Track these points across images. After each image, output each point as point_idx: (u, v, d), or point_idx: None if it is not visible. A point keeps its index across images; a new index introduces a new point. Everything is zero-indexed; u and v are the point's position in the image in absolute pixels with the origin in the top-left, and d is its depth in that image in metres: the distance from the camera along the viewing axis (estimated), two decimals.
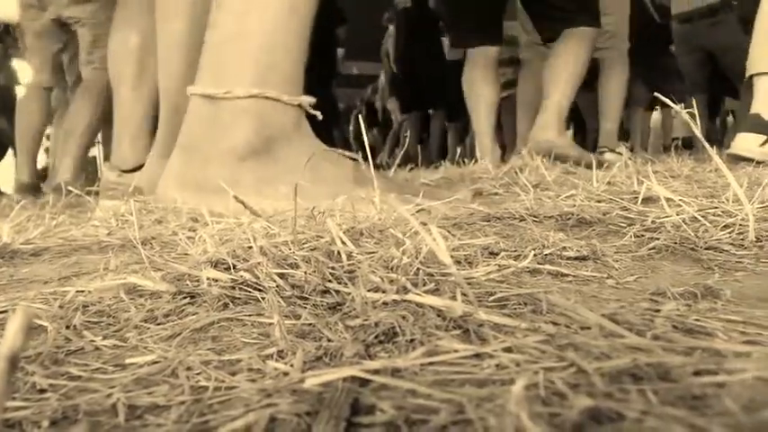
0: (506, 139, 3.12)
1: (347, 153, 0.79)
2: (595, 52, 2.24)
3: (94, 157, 4.33)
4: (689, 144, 4.25)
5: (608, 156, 2.31)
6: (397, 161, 1.62)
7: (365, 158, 0.71)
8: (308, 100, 0.88)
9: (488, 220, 0.74)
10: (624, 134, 3.72)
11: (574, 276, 0.46)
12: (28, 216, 0.87)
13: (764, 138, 1.42)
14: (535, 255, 0.46)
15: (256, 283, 0.37)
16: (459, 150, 2.91)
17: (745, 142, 1.44)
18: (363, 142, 0.74)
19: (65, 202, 1.40)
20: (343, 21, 3.49)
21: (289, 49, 0.85)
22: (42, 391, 0.28)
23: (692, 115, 0.60)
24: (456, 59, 3.39)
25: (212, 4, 0.87)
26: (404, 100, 4.35)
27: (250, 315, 0.36)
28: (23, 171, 2.56)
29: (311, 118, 0.89)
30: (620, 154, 2.33)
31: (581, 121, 3.97)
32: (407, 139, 3.96)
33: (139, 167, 1.21)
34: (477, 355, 0.27)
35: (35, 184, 2.57)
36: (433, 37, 4.15)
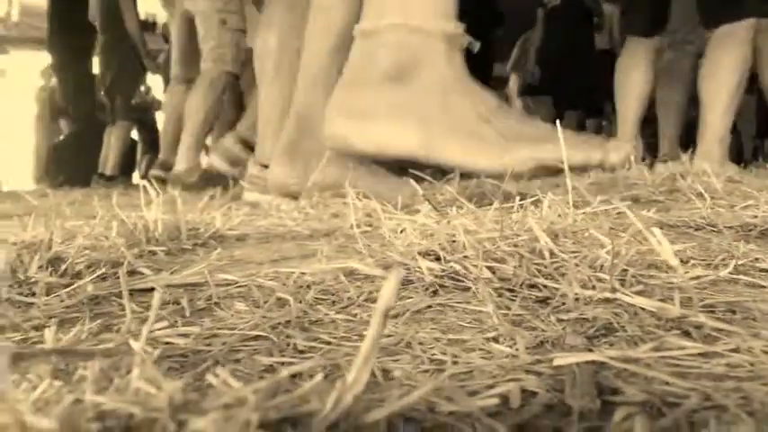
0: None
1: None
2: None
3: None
4: None
5: None
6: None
7: None
8: (455, 28, 0.87)
9: (661, 228, 0.72)
10: None
11: None
12: (218, 206, 0.97)
13: None
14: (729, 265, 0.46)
15: (465, 275, 0.41)
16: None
17: None
18: None
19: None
20: (500, 21, 3.46)
21: None
22: (302, 351, 0.34)
23: None
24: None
25: None
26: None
27: (460, 302, 0.39)
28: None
29: None
30: None
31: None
32: None
33: None
34: (704, 355, 0.29)
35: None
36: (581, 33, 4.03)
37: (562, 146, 0.65)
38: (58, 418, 0.16)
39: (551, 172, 0.86)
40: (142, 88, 3.89)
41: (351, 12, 1.17)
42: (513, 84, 4.64)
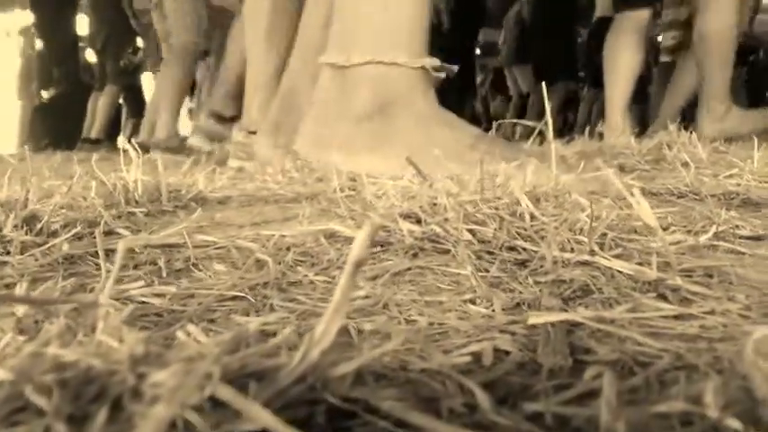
0: (651, 112, 2.93)
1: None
2: None
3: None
4: None
5: None
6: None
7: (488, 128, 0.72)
8: (430, 62, 0.88)
9: (644, 195, 0.73)
10: None
11: (750, 255, 0.45)
12: (201, 169, 0.96)
13: None
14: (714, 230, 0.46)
15: (445, 237, 0.41)
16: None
17: None
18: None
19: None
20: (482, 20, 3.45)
21: (406, 10, 0.87)
22: (279, 312, 0.33)
23: None
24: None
25: None
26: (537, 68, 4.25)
27: (440, 265, 0.39)
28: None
29: (448, 86, 0.91)
30: None
31: None
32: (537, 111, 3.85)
33: None
34: (678, 317, 0.29)
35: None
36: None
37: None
38: (14, 369, 0.16)
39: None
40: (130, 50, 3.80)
41: None
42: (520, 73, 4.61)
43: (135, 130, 4.04)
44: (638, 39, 2.01)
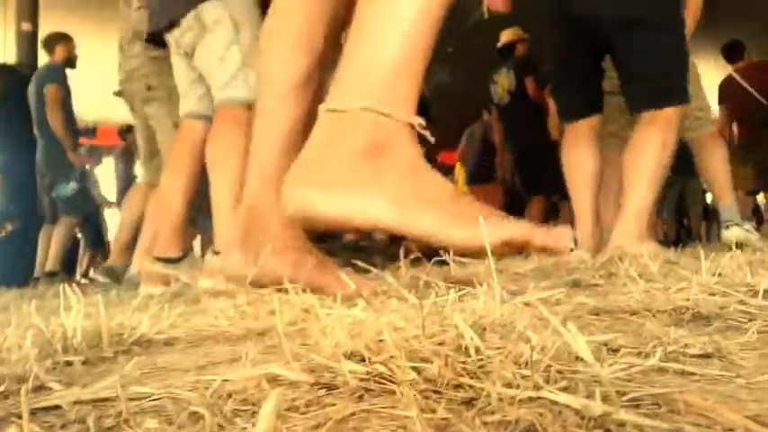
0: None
1: None
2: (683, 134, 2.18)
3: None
4: None
5: (735, 230, 2.20)
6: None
7: None
8: (418, 121, 0.92)
9: (597, 314, 0.73)
10: None
11: (701, 375, 0.45)
12: (154, 305, 0.94)
13: None
14: (661, 352, 0.46)
15: (391, 377, 0.39)
16: None
17: None
18: None
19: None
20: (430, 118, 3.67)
21: (406, 72, 0.90)
22: None
23: None
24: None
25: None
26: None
27: (386, 407, 0.38)
28: None
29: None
30: (748, 231, 2.21)
31: None
32: None
33: None
34: None
35: None
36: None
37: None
38: None
39: (516, 249, 0.89)
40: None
41: (294, 118, 1.22)
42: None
43: (91, 263, 3.97)
44: (593, 146, 2.08)
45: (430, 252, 1.01)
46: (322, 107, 0.94)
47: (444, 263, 1.10)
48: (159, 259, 2.01)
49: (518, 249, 0.89)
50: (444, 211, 0.85)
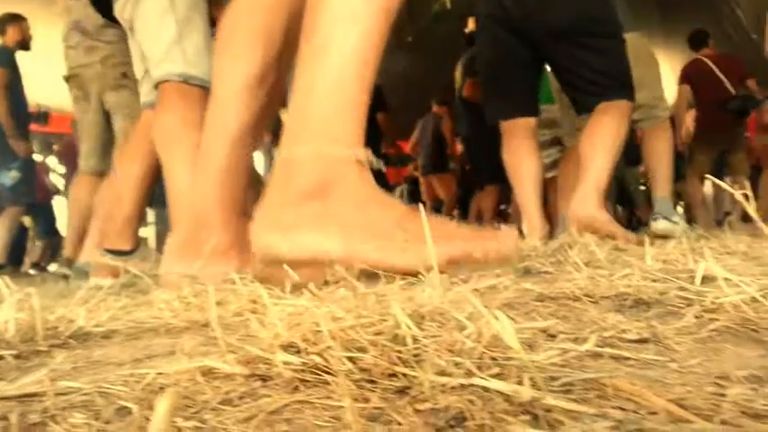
0: (552, 218, 3.12)
1: None
2: (634, 125, 2.25)
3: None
4: (748, 217, 4.18)
5: (662, 223, 2.27)
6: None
7: None
8: (363, 154, 0.97)
9: (542, 300, 0.74)
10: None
11: (635, 360, 0.46)
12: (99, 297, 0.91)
13: None
14: (595, 338, 0.46)
15: (326, 367, 0.39)
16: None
17: None
18: None
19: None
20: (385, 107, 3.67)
21: (345, 109, 0.96)
22: None
23: (745, 195, 0.60)
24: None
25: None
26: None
27: (320, 398, 0.37)
28: None
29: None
30: (676, 223, 2.28)
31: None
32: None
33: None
34: None
35: None
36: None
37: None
38: None
39: (462, 263, 0.94)
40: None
41: (246, 114, 1.21)
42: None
43: (43, 253, 3.85)
44: (532, 143, 2.15)
45: None
46: (277, 154, 1.00)
47: None
48: (109, 251, 1.96)
49: (465, 263, 0.94)
50: (389, 242, 0.90)
